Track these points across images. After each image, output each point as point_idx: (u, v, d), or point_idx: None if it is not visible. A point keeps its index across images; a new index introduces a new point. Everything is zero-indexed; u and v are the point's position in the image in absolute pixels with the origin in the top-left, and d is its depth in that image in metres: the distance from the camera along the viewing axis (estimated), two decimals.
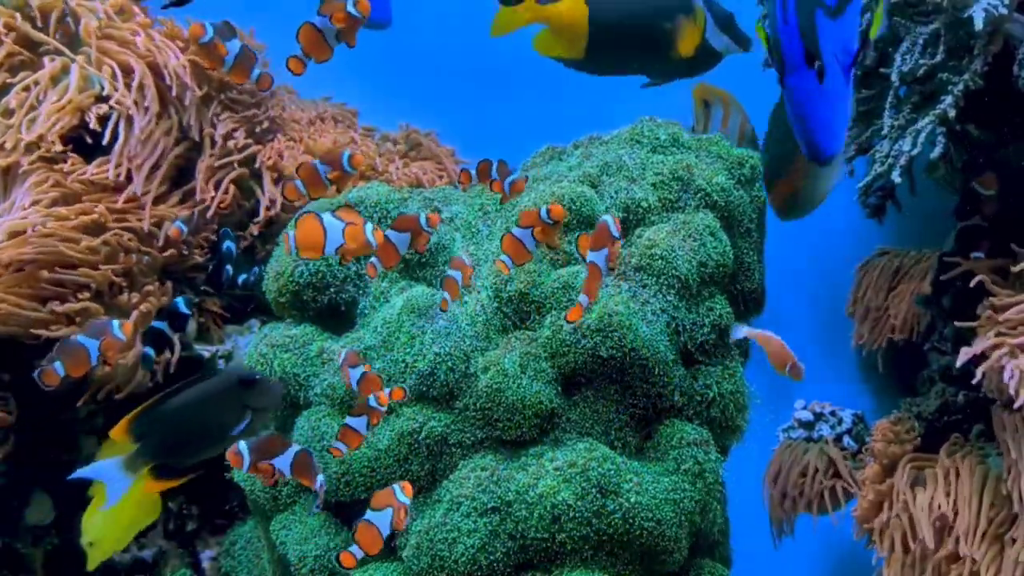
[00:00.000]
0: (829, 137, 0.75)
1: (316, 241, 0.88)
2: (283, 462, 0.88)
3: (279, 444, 0.87)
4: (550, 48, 1.17)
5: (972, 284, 1.20)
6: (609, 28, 1.26)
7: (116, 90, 1.28)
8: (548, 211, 0.93)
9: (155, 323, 1.21)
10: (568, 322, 0.95)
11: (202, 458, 0.90)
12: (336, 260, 1.14)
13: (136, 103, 1.29)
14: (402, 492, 0.88)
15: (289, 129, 1.49)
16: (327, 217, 0.90)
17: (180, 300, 1.22)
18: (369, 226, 0.91)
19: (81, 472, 0.85)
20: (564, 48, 1.11)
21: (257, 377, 0.86)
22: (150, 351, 1.19)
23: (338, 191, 1.01)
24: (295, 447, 0.89)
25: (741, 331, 1.10)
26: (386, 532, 0.87)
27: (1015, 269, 1.17)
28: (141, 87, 1.30)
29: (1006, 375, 1.02)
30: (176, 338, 1.27)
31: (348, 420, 0.93)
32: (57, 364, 0.93)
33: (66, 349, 0.94)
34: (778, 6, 0.75)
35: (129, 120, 1.29)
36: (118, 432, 0.83)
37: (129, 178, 1.31)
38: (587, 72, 1.36)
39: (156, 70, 1.33)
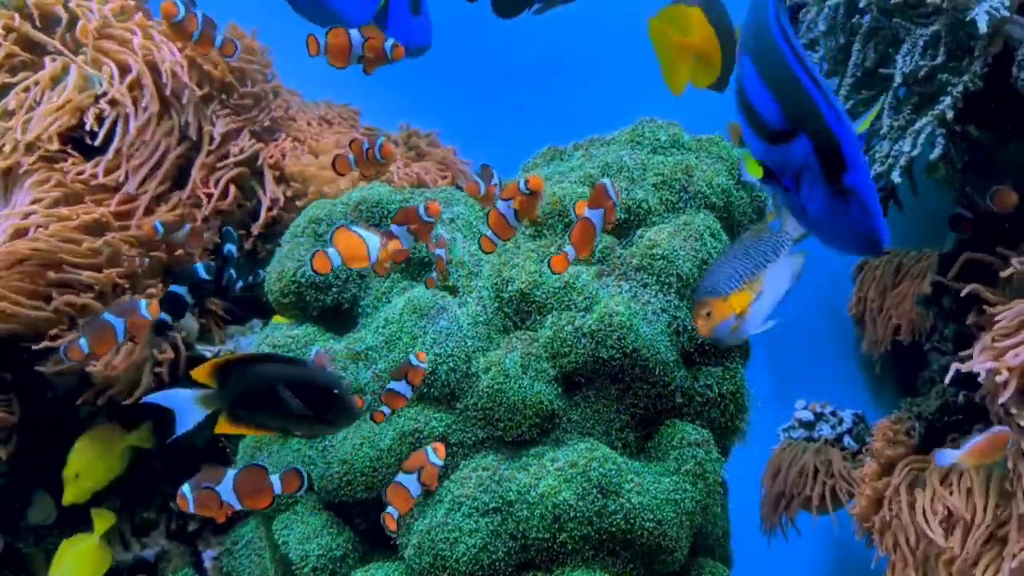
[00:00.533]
0: (884, 224, 0.73)
1: (361, 252, 0.91)
2: (224, 488, 0.86)
3: (214, 473, 0.87)
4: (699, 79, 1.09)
5: (963, 294, 1.20)
6: None
7: (113, 89, 1.28)
8: (526, 182, 0.91)
9: (174, 287, 1.19)
10: (552, 271, 0.91)
11: (267, 429, 0.87)
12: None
13: (135, 101, 1.29)
14: (435, 454, 0.92)
15: (292, 130, 1.49)
16: (359, 229, 0.93)
17: (199, 267, 1.21)
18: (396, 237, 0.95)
19: (153, 397, 0.83)
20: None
21: (349, 395, 0.85)
22: (166, 317, 1.17)
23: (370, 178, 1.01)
24: (231, 472, 0.88)
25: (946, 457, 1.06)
26: (416, 492, 0.91)
27: (1003, 274, 1.17)
28: (138, 86, 1.30)
29: (999, 379, 1.02)
30: (180, 338, 1.27)
31: (392, 384, 0.96)
32: (83, 341, 0.93)
33: (92, 326, 0.94)
34: (828, 115, 0.72)
35: (126, 119, 1.29)
36: (202, 372, 0.81)
37: (129, 178, 1.31)
38: None
39: (154, 69, 1.33)
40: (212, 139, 1.38)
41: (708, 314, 0.84)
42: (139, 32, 1.34)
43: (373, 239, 0.92)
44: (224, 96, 1.43)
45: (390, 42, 0.92)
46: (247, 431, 0.87)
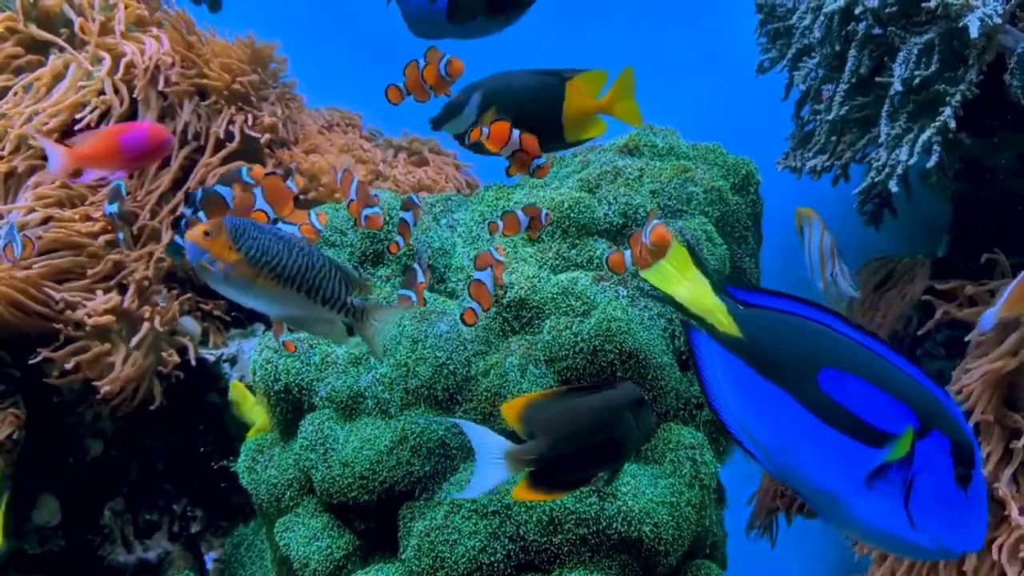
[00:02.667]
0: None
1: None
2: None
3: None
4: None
5: (937, 316, 1.22)
6: None
7: (116, 91, 1.30)
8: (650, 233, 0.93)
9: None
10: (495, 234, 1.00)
11: (583, 473, 0.77)
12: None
13: (144, 101, 1.30)
14: (496, 252, 1.01)
15: (300, 135, 1.51)
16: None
17: None
18: (312, 213, 0.98)
19: (467, 428, 0.73)
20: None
21: (646, 399, 0.77)
22: (180, 240, 1.18)
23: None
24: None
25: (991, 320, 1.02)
26: (492, 288, 0.99)
27: (985, 287, 1.19)
28: (135, 84, 1.31)
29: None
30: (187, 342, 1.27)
31: (476, 275, 1.01)
32: (201, 214, 0.94)
33: (207, 199, 0.94)
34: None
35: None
36: (512, 413, 0.70)
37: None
38: None
39: (157, 68, 1.34)
40: (218, 139, 1.39)
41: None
42: (149, 38, 1.35)
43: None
44: (237, 101, 1.44)
45: (443, 64, 0.95)
46: (551, 496, 0.76)
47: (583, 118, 1.03)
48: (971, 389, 1.08)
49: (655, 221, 0.93)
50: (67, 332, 1.22)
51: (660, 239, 0.90)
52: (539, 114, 1.02)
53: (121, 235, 1.24)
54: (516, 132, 0.95)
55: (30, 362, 1.20)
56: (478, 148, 1.02)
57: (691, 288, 0.72)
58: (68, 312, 1.22)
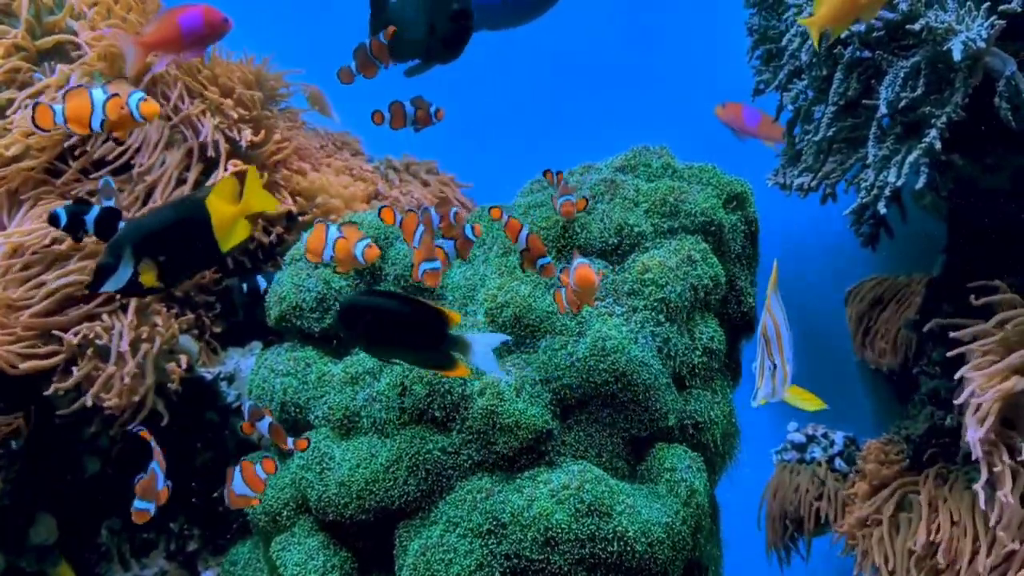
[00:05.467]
0: None
1: (318, 247, 1.03)
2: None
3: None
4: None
5: (950, 355, 1.22)
6: None
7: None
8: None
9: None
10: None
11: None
12: (338, 283, 1.17)
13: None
14: (472, 230, 1.06)
15: (300, 157, 1.52)
16: (333, 228, 1.03)
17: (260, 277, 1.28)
18: (363, 243, 1.02)
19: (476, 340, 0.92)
20: None
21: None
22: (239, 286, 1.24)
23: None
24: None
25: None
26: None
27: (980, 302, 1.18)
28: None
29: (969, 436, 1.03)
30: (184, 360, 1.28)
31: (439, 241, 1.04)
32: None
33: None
34: None
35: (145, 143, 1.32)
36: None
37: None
38: None
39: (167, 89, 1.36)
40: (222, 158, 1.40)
41: None
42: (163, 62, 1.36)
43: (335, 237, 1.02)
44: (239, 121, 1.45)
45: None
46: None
47: (231, 226, 1.05)
48: (984, 410, 1.07)
49: (578, 260, 0.94)
50: (69, 355, 1.23)
51: (582, 280, 0.93)
52: (192, 241, 1.04)
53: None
54: (524, 232, 1.02)
55: (44, 394, 1.21)
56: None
57: None
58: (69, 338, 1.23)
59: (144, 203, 1.32)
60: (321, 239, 1.02)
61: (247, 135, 1.39)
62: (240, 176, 1.09)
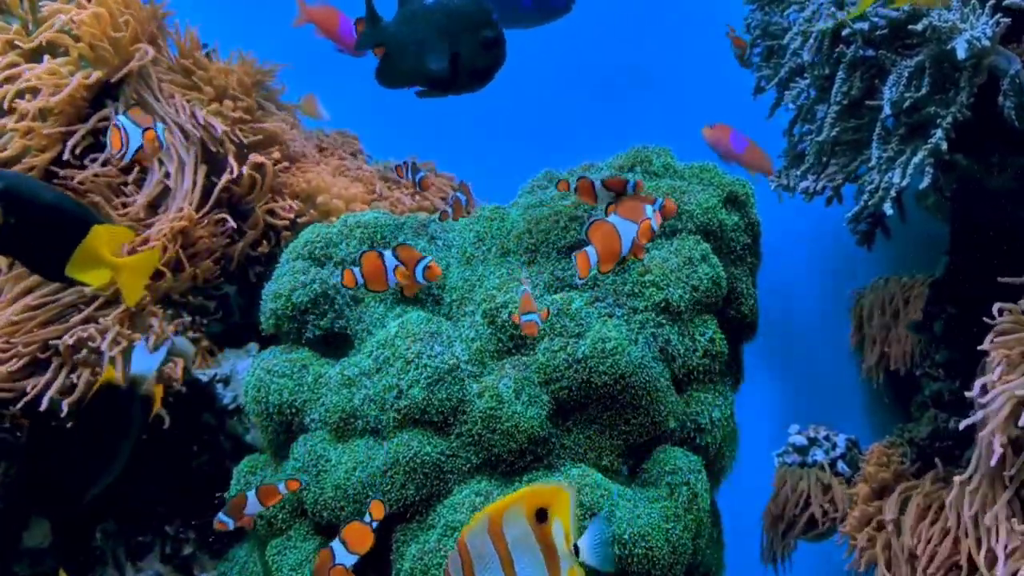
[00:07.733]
0: None
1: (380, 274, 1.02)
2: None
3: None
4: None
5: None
6: None
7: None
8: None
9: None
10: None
11: None
12: (334, 285, 1.16)
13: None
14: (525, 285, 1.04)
15: (300, 160, 1.52)
16: (388, 255, 1.02)
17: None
18: (423, 263, 1.01)
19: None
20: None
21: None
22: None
23: None
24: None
25: None
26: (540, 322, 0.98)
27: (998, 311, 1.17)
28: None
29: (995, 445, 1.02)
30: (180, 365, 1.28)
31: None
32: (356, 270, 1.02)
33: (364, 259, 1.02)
34: None
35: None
36: None
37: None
38: None
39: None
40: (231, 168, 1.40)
41: None
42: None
43: (392, 262, 1.01)
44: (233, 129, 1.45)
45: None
46: None
47: (91, 263, 0.99)
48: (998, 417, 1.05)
49: (524, 287, 0.98)
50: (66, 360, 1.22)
51: (670, 211, 1.00)
52: (52, 233, 0.97)
53: None
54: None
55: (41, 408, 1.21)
56: None
57: None
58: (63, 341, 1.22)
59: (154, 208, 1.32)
60: (378, 267, 1.00)
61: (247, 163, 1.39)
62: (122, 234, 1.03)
